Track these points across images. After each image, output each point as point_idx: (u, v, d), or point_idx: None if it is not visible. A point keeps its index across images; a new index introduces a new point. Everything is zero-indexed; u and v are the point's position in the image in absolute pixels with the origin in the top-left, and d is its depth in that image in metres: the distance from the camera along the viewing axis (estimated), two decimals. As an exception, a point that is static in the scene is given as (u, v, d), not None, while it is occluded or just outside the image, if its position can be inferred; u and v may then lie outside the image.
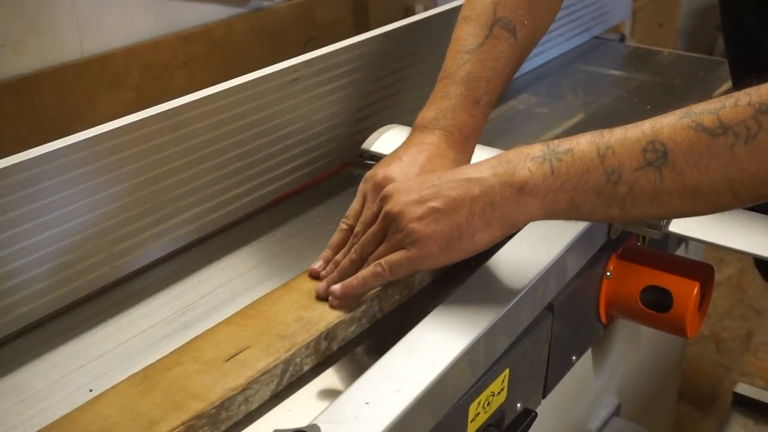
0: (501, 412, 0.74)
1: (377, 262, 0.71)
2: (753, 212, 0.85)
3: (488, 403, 0.71)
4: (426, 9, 1.54)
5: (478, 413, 0.71)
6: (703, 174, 0.61)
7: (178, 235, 0.86)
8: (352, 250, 0.75)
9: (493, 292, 0.72)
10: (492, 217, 0.68)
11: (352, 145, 1.05)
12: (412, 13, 1.58)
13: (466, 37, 0.85)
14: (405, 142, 0.83)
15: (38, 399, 0.67)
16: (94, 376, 0.69)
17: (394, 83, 1.09)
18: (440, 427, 0.65)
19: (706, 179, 0.62)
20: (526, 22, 0.86)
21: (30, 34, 1.10)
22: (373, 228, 0.74)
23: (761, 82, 0.61)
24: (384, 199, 0.73)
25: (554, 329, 0.79)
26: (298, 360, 0.68)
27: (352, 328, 0.73)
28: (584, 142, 0.66)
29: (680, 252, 1.18)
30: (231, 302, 0.79)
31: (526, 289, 0.72)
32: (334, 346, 0.72)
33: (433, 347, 0.65)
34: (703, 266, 0.86)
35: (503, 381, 0.73)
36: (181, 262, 0.86)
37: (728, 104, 0.61)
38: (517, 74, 1.37)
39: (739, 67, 1.08)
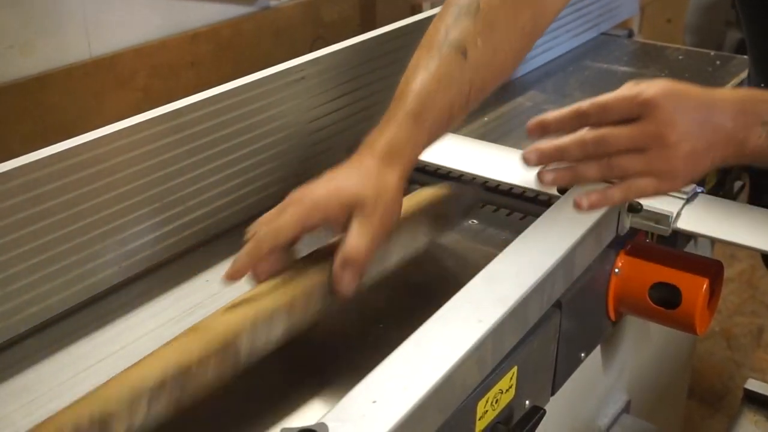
0: (509, 409, 0.74)
1: (628, 186, 0.75)
2: (762, 208, 0.84)
3: (496, 400, 0.71)
4: (433, 6, 1.54)
5: (486, 411, 0.70)
6: None
7: (186, 234, 0.86)
8: (594, 140, 0.75)
9: (501, 289, 0.72)
10: (711, 166, 0.76)
11: (359, 143, 1.04)
12: (420, 11, 1.58)
13: (417, 61, 0.82)
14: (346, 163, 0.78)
15: (47, 400, 0.67)
16: (103, 377, 0.69)
17: (401, 81, 1.09)
18: (448, 425, 0.64)
19: None
20: (479, 42, 0.81)
21: (38, 35, 1.11)
22: (631, 132, 0.74)
23: None
24: (661, 111, 0.73)
25: (562, 326, 0.79)
26: None
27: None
28: None
29: (689, 248, 1.17)
30: (239, 301, 0.79)
31: (533, 286, 0.72)
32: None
33: (440, 345, 0.65)
34: (712, 262, 0.86)
35: (511, 378, 0.73)
36: (189, 261, 0.86)
37: None
38: (524, 71, 1.38)
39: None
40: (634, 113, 0.74)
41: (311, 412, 0.65)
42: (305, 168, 0.98)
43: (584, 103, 0.77)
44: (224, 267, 0.84)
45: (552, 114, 0.79)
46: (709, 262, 0.86)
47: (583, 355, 0.87)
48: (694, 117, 0.74)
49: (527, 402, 0.77)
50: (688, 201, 0.85)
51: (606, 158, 0.76)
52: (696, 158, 0.74)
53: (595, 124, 0.77)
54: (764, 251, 0.80)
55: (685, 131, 0.73)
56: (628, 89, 0.76)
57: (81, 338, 0.74)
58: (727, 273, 2.17)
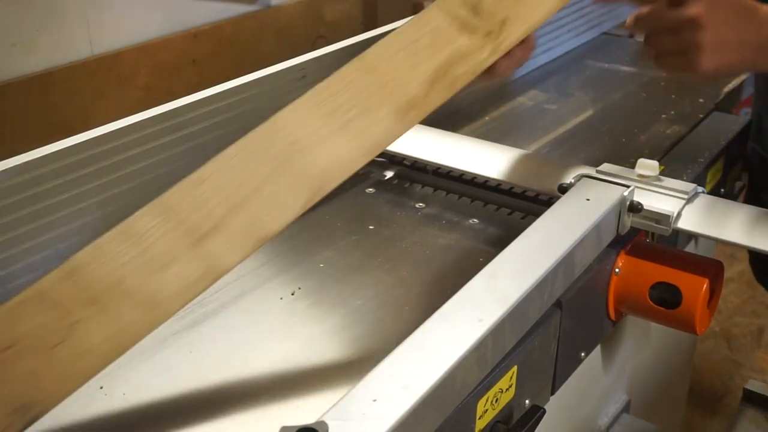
0: (509, 408, 0.74)
1: (664, 60, 0.83)
2: (762, 209, 0.84)
3: (496, 400, 0.71)
4: (435, 6, 1.53)
5: (486, 410, 0.70)
6: None
7: (187, 232, 0.86)
8: (644, 18, 0.84)
9: (501, 288, 0.72)
10: (741, 64, 0.83)
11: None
12: (421, 10, 1.58)
13: None
14: None
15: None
16: (105, 373, 0.69)
17: (402, 80, 1.08)
18: (448, 424, 0.65)
19: None
20: None
21: (40, 33, 1.11)
22: (669, 14, 0.81)
23: None
24: (702, 1, 0.79)
25: (563, 326, 0.79)
26: None
27: None
28: None
29: (690, 248, 1.17)
30: (239, 299, 0.79)
31: (533, 286, 0.72)
32: None
33: (440, 344, 0.65)
34: (713, 262, 0.86)
35: (511, 378, 0.73)
36: (190, 259, 0.86)
37: None
38: (526, 70, 1.38)
39: None
40: None
41: (311, 411, 0.65)
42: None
43: None
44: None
45: None
46: (709, 262, 0.86)
47: (583, 354, 0.87)
48: (732, 14, 0.81)
49: (527, 401, 0.77)
50: (688, 201, 0.85)
51: (651, 35, 0.85)
52: (724, 49, 0.80)
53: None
54: (764, 251, 0.80)
55: (718, 22, 0.79)
56: None
57: (82, 336, 0.74)
58: (727, 273, 2.16)
